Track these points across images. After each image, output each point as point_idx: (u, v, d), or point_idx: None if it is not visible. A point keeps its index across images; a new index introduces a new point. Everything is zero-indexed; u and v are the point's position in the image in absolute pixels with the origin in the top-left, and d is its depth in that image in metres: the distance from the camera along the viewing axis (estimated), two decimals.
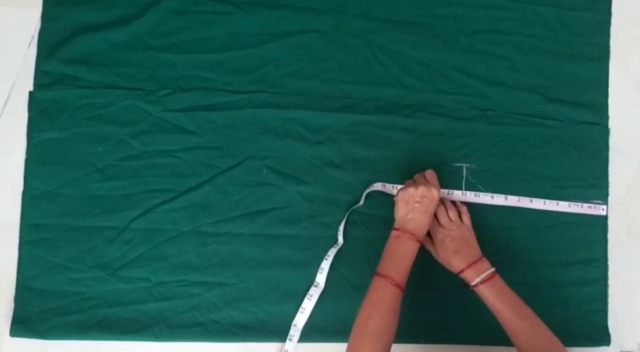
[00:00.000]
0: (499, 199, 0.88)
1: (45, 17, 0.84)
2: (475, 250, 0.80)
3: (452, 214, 0.83)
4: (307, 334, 0.84)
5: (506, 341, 0.86)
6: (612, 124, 0.93)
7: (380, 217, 0.87)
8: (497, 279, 0.77)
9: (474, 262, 0.78)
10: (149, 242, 0.82)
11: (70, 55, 0.83)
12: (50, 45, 0.83)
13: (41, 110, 0.82)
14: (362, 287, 0.84)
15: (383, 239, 0.86)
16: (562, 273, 0.90)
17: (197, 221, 0.83)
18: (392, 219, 0.86)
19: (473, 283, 0.77)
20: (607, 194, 0.92)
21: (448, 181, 0.88)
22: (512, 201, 0.89)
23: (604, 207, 0.91)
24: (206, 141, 0.84)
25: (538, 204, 0.89)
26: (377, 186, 0.86)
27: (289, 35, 0.87)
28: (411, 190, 0.78)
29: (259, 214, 0.85)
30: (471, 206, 0.88)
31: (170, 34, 0.85)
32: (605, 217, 0.92)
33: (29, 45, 0.83)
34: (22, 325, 0.79)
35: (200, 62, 0.85)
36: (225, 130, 0.85)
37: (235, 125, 0.85)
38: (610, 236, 0.92)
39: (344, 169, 0.87)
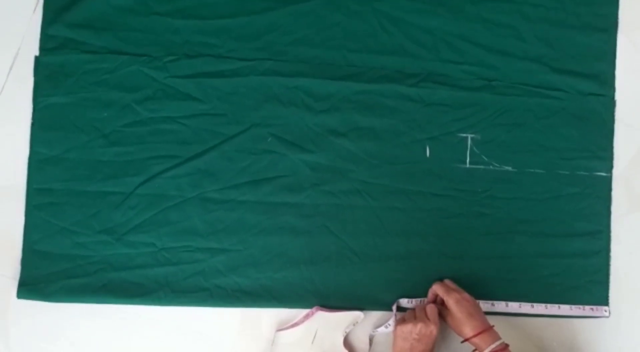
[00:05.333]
0: (499, 306, 0.87)
1: None
2: (485, 318, 0.80)
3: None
4: (308, 301, 0.85)
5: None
6: (618, 95, 0.92)
7: (383, 187, 0.87)
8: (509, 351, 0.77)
9: (486, 330, 0.77)
10: (154, 208, 0.83)
11: (75, 20, 0.83)
12: (56, 9, 0.83)
13: (47, 75, 0.82)
14: (364, 256, 0.86)
15: (386, 208, 0.87)
16: (564, 244, 0.90)
17: (202, 187, 0.84)
18: (396, 189, 0.87)
19: (486, 351, 0.76)
20: (611, 166, 0.92)
21: (452, 151, 0.88)
22: (513, 307, 0.88)
23: (607, 308, 0.90)
24: (211, 108, 0.84)
25: (539, 308, 0.88)
26: (404, 302, 0.86)
27: (294, 2, 0.86)
28: (409, 326, 0.78)
29: (264, 182, 0.85)
30: (474, 179, 0.88)
31: None
32: (609, 189, 0.92)
33: (34, 9, 0.83)
34: (28, 287, 0.81)
35: (205, 28, 0.85)
36: (230, 97, 0.85)
37: (240, 92, 0.85)
38: (613, 207, 0.92)
39: (347, 138, 0.87)
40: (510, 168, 0.89)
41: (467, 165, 0.89)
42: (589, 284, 0.90)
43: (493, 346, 0.76)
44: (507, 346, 0.77)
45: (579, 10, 0.92)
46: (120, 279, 0.82)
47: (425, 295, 0.86)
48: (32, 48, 0.83)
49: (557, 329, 0.89)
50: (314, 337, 0.84)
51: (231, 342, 0.84)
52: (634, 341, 0.91)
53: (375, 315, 0.86)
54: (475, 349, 0.78)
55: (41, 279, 0.81)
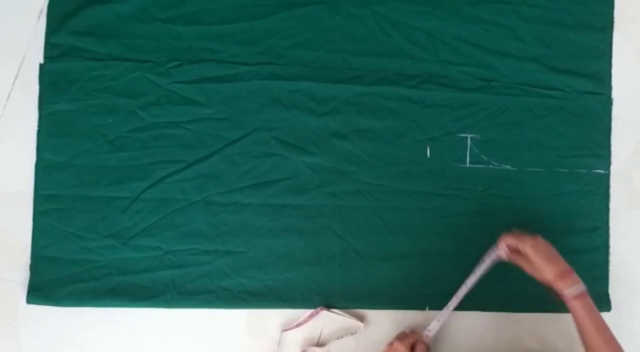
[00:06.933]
0: None
1: None
2: (564, 261, 0.78)
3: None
4: (313, 301, 0.86)
5: (506, 308, 0.89)
6: (614, 93, 0.93)
7: (385, 187, 0.88)
8: (588, 297, 0.76)
9: (567, 272, 0.77)
10: (160, 212, 0.84)
11: (78, 28, 0.84)
12: (59, 18, 0.84)
13: (52, 82, 0.83)
14: (367, 256, 0.87)
15: (388, 208, 0.88)
16: (564, 241, 0.90)
17: (206, 190, 0.85)
18: (398, 189, 0.88)
19: (568, 295, 0.76)
20: (609, 163, 0.93)
21: (452, 151, 0.89)
22: None
23: None
24: (214, 112, 0.86)
25: None
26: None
27: (294, 6, 0.87)
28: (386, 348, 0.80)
29: (267, 184, 0.86)
30: (475, 178, 0.89)
31: (176, 5, 0.86)
32: (608, 186, 0.93)
33: (39, 18, 0.84)
34: (37, 292, 0.82)
35: (207, 34, 0.86)
36: (233, 101, 0.86)
37: (242, 96, 0.86)
38: (611, 204, 0.93)
39: (349, 140, 0.88)
40: (509, 167, 0.91)
41: (467, 165, 0.90)
42: (589, 280, 0.90)
43: (573, 289, 0.75)
44: (586, 291, 0.76)
45: (575, 10, 0.93)
46: (127, 282, 0.83)
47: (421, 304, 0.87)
48: (37, 56, 0.84)
49: (559, 324, 0.90)
50: (319, 336, 0.85)
51: (238, 343, 0.86)
52: (634, 334, 0.93)
53: (379, 316, 0.88)
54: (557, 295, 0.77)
55: (50, 284, 0.82)
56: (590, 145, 0.92)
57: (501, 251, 0.81)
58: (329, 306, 0.86)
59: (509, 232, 0.82)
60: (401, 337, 0.82)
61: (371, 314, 0.88)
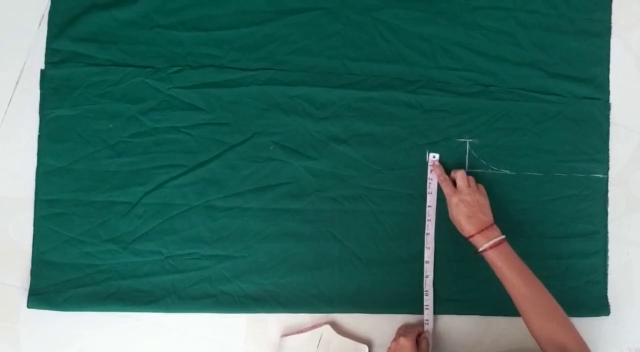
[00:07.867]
0: None
1: None
2: (488, 217, 0.82)
3: (471, 180, 0.85)
4: (313, 305, 0.86)
5: (505, 312, 0.89)
6: (612, 98, 0.94)
7: (385, 192, 0.89)
8: (506, 246, 0.80)
9: (485, 229, 0.80)
10: (160, 217, 0.84)
11: (79, 34, 0.84)
12: (60, 24, 0.84)
13: (53, 87, 0.83)
14: (367, 260, 0.88)
15: (388, 212, 0.88)
16: (562, 245, 0.91)
17: (206, 195, 0.85)
18: (397, 194, 0.89)
19: (481, 248, 0.79)
20: (607, 168, 0.93)
21: (451, 156, 0.90)
22: None
23: None
24: (214, 118, 0.86)
25: None
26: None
27: (294, 12, 0.88)
28: (392, 345, 0.81)
29: (267, 189, 0.86)
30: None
31: (177, 11, 0.86)
32: (606, 191, 0.93)
33: (40, 24, 0.84)
34: (38, 297, 0.82)
35: (207, 40, 0.86)
36: (233, 106, 0.86)
37: (242, 101, 0.86)
38: (610, 208, 0.93)
39: (349, 144, 0.88)
40: (508, 171, 0.91)
41: (466, 170, 0.90)
42: (587, 284, 0.92)
43: (487, 244, 0.79)
44: (504, 239, 0.80)
45: (573, 16, 0.93)
46: (128, 287, 0.83)
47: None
48: (38, 62, 0.84)
49: None
50: (319, 341, 0.85)
51: (238, 348, 0.86)
52: (633, 338, 0.93)
53: (380, 321, 0.88)
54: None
55: (51, 289, 0.82)
56: (588, 150, 0.93)
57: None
58: (334, 312, 0.87)
59: (447, 181, 0.86)
60: (404, 332, 0.82)
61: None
